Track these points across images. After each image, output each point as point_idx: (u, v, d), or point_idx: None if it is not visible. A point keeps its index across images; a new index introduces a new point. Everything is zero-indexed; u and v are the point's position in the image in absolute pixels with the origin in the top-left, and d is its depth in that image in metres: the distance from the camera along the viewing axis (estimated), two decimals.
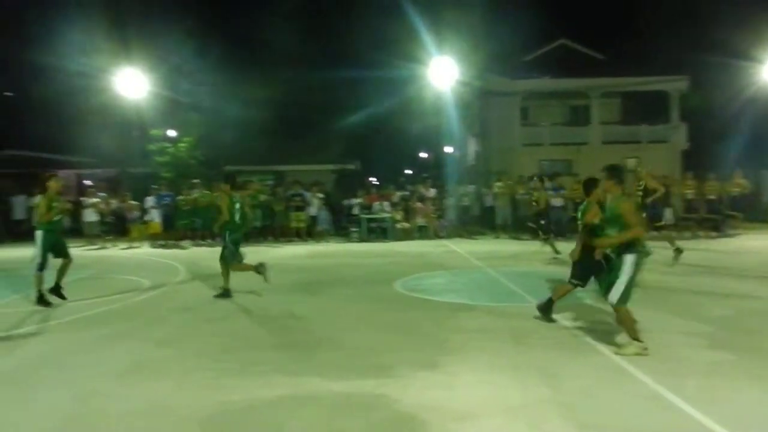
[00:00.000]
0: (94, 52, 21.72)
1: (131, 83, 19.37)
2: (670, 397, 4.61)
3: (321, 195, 19.12)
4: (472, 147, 31.15)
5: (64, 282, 8.82)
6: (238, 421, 4.41)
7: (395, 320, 7.44)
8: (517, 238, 17.15)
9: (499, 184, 19.05)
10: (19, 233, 19.74)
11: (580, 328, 6.74)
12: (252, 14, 42.40)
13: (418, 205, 18.94)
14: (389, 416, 4.43)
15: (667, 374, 5.09)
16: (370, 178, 30.73)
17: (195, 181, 18.79)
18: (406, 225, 18.69)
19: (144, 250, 16.53)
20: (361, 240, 18.16)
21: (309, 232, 18.61)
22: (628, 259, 5.68)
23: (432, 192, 19.74)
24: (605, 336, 6.30)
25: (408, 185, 22.17)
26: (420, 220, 18.74)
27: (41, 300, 8.48)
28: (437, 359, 5.70)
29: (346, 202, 20.24)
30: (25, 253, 9.29)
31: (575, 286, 6.97)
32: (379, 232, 18.63)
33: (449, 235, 18.58)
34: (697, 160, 23.30)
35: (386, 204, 18.99)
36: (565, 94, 27.39)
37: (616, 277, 5.73)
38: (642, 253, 5.77)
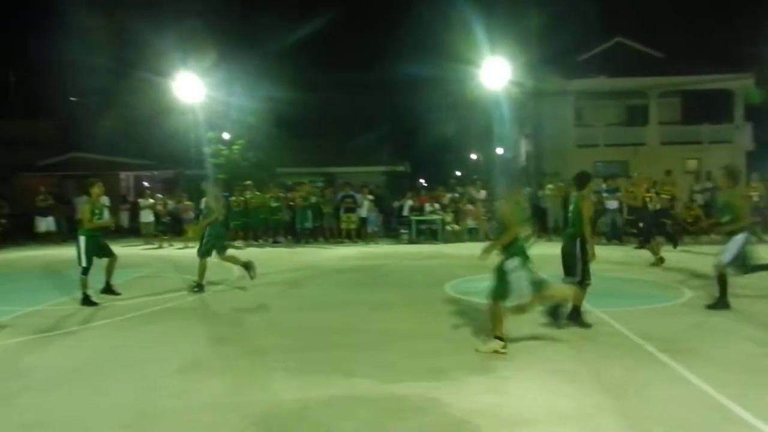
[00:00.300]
0: (154, 58, 22.42)
1: (188, 88, 19.89)
2: (734, 408, 4.42)
3: (371, 197, 19.18)
4: (524, 148, 30.72)
5: (116, 279, 9.13)
6: (292, 420, 4.47)
7: (447, 323, 7.39)
8: None
9: (550, 186, 18.69)
10: None
11: (638, 334, 6.53)
12: (304, 17, 42.94)
13: (469, 206, 18.78)
14: (440, 420, 4.41)
15: (730, 384, 4.90)
16: (420, 180, 30.70)
17: (247, 183, 19.12)
18: (456, 227, 18.56)
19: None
20: (411, 242, 18.13)
21: (359, 234, 18.70)
22: (512, 263, 6.04)
23: (483, 194, 19.54)
24: (664, 343, 6.11)
25: (458, 187, 21.99)
26: (470, 222, 18.58)
27: (87, 301, 8.75)
28: (489, 363, 5.64)
29: (396, 203, 20.25)
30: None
31: (586, 285, 7.00)
32: (429, 233, 18.55)
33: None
34: (762, 161, 22.34)
35: (436, 206, 18.91)
36: (621, 93, 26.70)
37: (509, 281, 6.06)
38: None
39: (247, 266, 9.64)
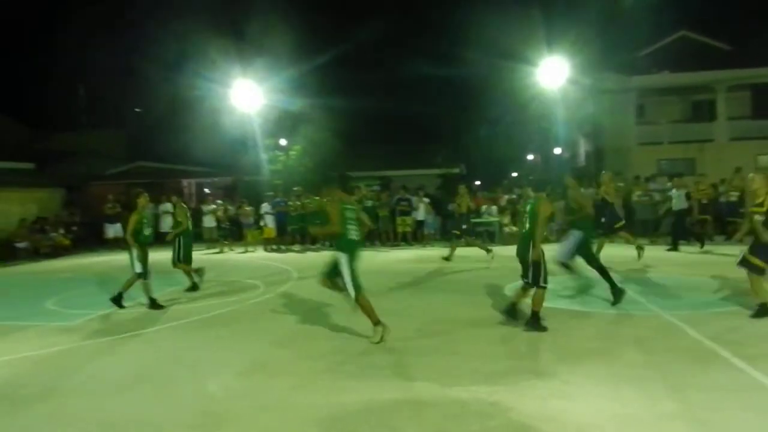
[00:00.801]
0: (214, 68, 23.01)
1: (247, 95, 20.33)
2: None
3: (427, 199, 19.10)
4: (583, 147, 30.02)
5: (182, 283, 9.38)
6: (354, 422, 4.47)
7: (507, 326, 7.26)
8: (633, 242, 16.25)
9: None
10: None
11: (710, 337, 6.24)
12: (360, 20, 43.29)
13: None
14: (504, 424, 4.32)
15: None
16: (475, 182, 30.36)
17: (295, 188, 19.29)
18: (513, 229, 18.24)
19: (259, 254, 17.25)
20: (467, 244, 17.92)
21: (415, 237, 18.65)
22: (341, 258, 6.53)
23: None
24: (739, 347, 5.82)
25: (516, 188, 21.65)
26: None
27: (154, 304, 9.05)
28: (553, 368, 5.50)
29: (451, 205, 20.08)
30: (155, 256, 10.07)
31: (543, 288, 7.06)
32: (486, 236, 18.32)
33: (559, 239, 17.92)
34: None
35: (493, 207, 18.65)
36: (686, 89, 25.74)
37: (341, 275, 6.58)
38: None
39: (198, 271, 10.48)
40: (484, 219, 18.47)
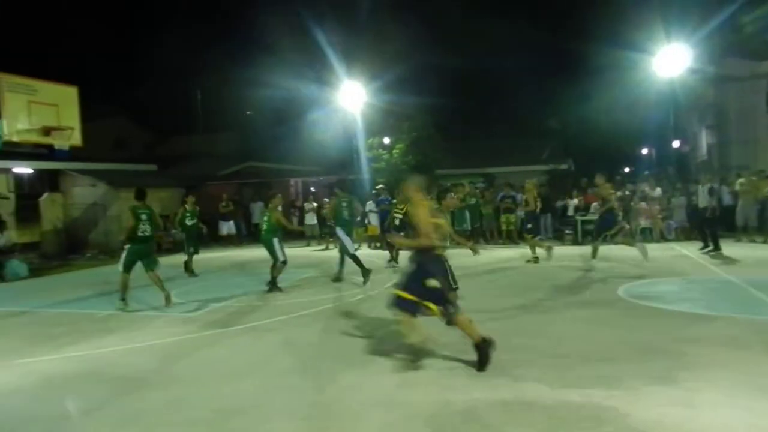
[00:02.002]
0: (320, 69, 23.62)
1: (351, 96, 20.71)
2: None
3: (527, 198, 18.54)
4: (705, 140, 28.04)
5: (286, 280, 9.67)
6: (460, 421, 4.41)
7: (622, 329, 6.91)
8: (765, 242, 15.02)
9: (741, 180, 16.78)
10: (258, 236, 22.29)
11: None
12: (461, 17, 42.93)
13: (642, 205, 17.48)
14: (620, 430, 4.09)
15: None
16: (584, 178, 29.20)
17: (378, 187, 19.30)
18: (626, 227, 17.36)
19: (363, 251, 17.48)
20: (576, 243, 17.28)
21: (520, 235, 18.20)
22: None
23: (657, 191, 18.09)
24: None
25: (629, 184, 20.57)
26: (643, 222, 17.29)
27: (273, 286, 10.44)
28: (673, 373, 5.16)
29: (560, 203, 19.43)
30: (263, 253, 10.78)
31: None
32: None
33: (678, 238, 16.88)
34: None
35: None
36: None
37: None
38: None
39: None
40: (593, 217, 17.68)
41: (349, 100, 21.05)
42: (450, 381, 5.26)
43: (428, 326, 5.86)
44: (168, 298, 9.48)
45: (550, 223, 18.61)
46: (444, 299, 5.50)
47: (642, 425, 4.13)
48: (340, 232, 11.71)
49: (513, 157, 26.03)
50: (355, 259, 11.31)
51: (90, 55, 41.98)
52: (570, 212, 18.33)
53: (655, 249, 14.26)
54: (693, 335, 6.45)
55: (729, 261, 12.11)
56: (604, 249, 15.37)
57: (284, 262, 10.61)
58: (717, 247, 13.24)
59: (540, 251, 13.18)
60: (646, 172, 26.30)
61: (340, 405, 4.86)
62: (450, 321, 5.53)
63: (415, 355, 6.08)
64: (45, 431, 4.67)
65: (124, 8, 48.78)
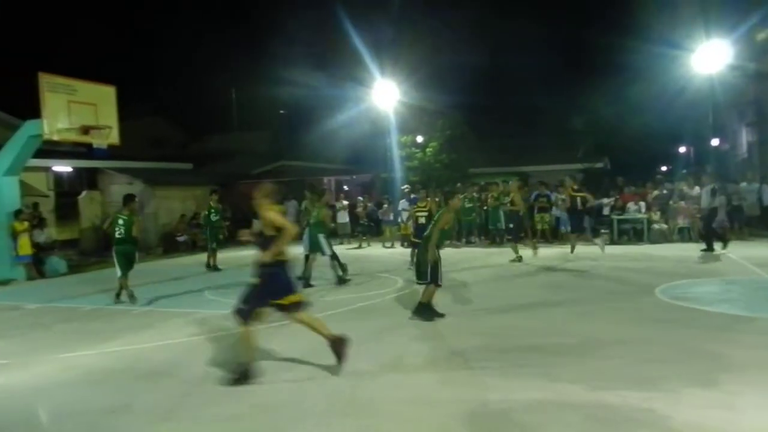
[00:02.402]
0: (354, 68, 23.70)
1: (385, 94, 20.71)
2: None
3: (564, 197, 18.30)
4: (745, 138, 27.31)
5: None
6: (497, 421, 4.40)
7: (660, 330, 6.79)
8: None
9: None
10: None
11: None
12: (494, 15, 42.64)
13: (680, 204, 17.11)
14: None
15: None
16: (619, 177, 28.69)
17: (404, 187, 19.22)
18: (663, 226, 17.03)
19: (397, 250, 17.49)
20: (612, 243, 17.00)
21: (554, 234, 17.99)
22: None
23: (696, 190, 17.67)
24: None
25: (666, 183, 20.13)
26: (681, 221, 16.92)
27: (341, 280, 10.85)
28: (713, 376, 5.06)
29: (595, 202, 19.10)
30: (294, 250, 10.81)
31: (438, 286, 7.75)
32: (632, 234, 17.26)
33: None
34: None
35: (641, 204, 17.52)
36: None
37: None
38: None
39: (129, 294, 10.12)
40: (631, 216, 17.40)
41: (382, 99, 21.05)
42: (487, 380, 5.24)
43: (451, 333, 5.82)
44: (131, 296, 10.00)
45: (589, 222, 18.32)
46: (253, 305, 5.54)
47: (682, 428, 4.06)
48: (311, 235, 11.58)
49: (547, 156, 25.76)
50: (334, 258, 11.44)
51: (127, 55, 42.90)
52: (605, 211, 18.02)
53: (693, 249, 13.95)
54: (732, 337, 6.31)
55: None
56: (644, 249, 15.12)
57: (333, 256, 10.93)
58: (710, 248, 13.35)
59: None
60: (684, 171, 25.69)
61: (377, 403, 4.88)
62: (242, 322, 5.55)
63: (451, 355, 6.07)
64: (87, 424, 4.79)
65: (160, 10, 49.69)
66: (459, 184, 14.91)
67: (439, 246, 7.76)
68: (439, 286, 7.76)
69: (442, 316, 7.74)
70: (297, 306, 5.64)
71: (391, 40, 25.44)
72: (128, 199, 10.22)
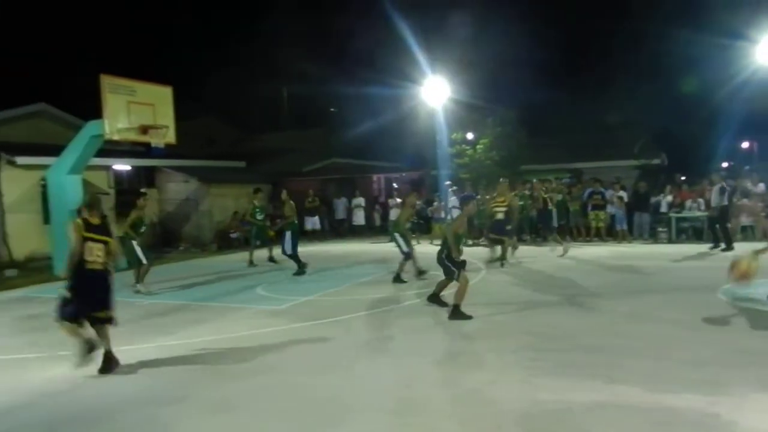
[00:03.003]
0: (404, 66, 23.66)
1: (435, 91, 20.59)
2: None
3: (623, 192, 17.83)
4: None
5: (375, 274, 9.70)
6: (551, 421, 4.31)
7: (723, 332, 6.56)
8: None
9: None
10: (341, 231, 22.69)
11: None
12: (546, 10, 41.87)
13: (744, 201, 16.42)
14: None
15: None
16: (678, 174, 27.77)
17: (447, 183, 18.95)
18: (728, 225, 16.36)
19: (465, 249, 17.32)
20: (670, 241, 16.48)
21: (609, 232, 17.55)
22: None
23: (761, 187, 16.94)
24: None
25: (729, 179, 19.35)
26: (744, 220, 16.24)
27: (397, 279, 10.82)
28: None
29: (653, 199, 18.54)
30: (347, 248, 10.89)
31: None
32: (692, 232, 16.68)
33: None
34: None
35: (700, 201, 16.90)
36: None
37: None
38: None
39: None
40: (691, 214, 16.82)
41: (432, 96, 20.94)
42: (540, 380, 5.15)
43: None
44: None
45: (647, 221, 17.77)
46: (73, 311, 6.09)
47: None
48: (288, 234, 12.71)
49: (601, 152, 25.13)
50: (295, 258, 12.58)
51: (181, 54, 44.01)
52: (663, 209, 17.47)
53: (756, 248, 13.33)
54: None
55: None
56: (703, 248, 14.57)
57: (407, 254, 11.02)
58: (730, 246, 13.56)
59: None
60: (747, 167, 24.66)
61: (428, 400, 4.85)
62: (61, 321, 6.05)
63: (503, 353, 5.98)
64: (145, 416, 4.92)
65: (211, 11, 50.82)
66: (501, 179, 14.71)
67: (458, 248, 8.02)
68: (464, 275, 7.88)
69: (470, 317, 7.62)
70: None
71: (442, 35, 25.30)
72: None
